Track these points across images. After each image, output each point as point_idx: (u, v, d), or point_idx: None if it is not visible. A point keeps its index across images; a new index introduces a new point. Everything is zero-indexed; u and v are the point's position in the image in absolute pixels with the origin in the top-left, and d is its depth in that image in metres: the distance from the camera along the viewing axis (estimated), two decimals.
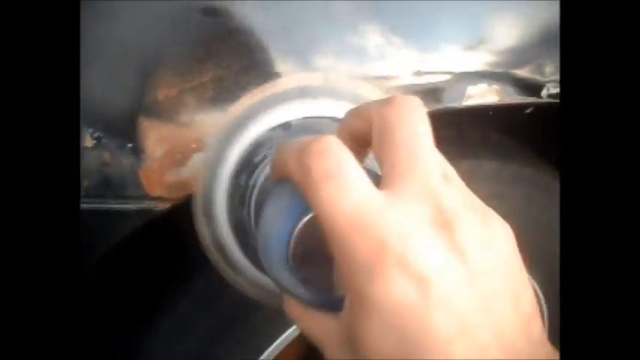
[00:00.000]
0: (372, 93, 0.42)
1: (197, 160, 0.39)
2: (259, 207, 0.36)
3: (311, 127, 0.40)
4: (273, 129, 0.39)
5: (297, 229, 0.30)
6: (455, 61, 0.45)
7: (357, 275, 0.25)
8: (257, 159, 0.38)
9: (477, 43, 0.46)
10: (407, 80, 0.43)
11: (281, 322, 0.56)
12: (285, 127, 0.39)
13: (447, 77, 0.44)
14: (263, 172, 0.38)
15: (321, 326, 0.29)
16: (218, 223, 0.39)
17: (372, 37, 0.42)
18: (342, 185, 0.25)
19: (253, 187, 0.38)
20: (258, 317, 0.55)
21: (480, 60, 0.46)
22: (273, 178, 0.31)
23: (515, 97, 0.45)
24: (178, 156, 0.39)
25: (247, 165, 0.39)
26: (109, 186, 0.39)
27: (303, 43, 0.41)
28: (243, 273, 0.41)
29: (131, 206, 0.40)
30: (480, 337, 0.24)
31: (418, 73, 0.44)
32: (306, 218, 0.30)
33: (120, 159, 0.39)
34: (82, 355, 0.51)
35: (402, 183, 0.26)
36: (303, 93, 0.40)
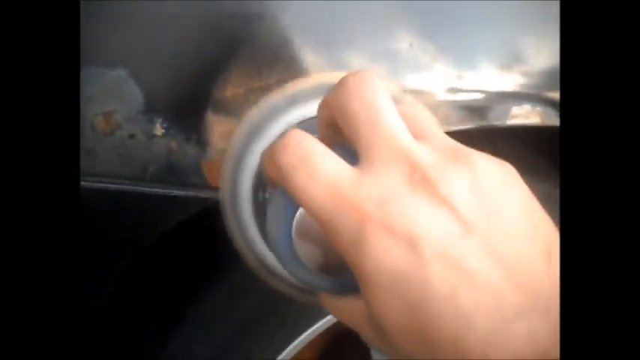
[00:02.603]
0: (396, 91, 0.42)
1: None
2: None
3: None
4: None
5: (294, 226, 0.31)
6: (490, 80, 0.47)
7: (348, 252, 0.25)
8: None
9: (512, 62, 0.48)
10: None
11: (310, 314, 0.58)
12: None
13: (481, 96, 0.46)
14: None
15: (349, 310, 0.29)
16: (247, 228, 0.41)
17: (406, 44, 0.44)
18: (310, 170, 0.26)
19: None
20: (288, 310, 0.58)
21: (515, 81, 0.48)
22: (268, 185, 0.32)
23: (556, 120, 0.47)
24: None
25: (260, 180, 0.40)
26: (173, 173, 0.42)
27: (347, 49, 0.43)
28: (275, 274, 0.43)
29: (191, 194, 0.42)
30: (490, 282, 0.23)
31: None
32: (297, 214, 0.30)
33: (185, 149, 0.41)
34: (113, 337, 0.54)
35: (370, 153, 0.26)
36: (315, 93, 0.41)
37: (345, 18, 0.44)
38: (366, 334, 0.28)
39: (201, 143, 0.41)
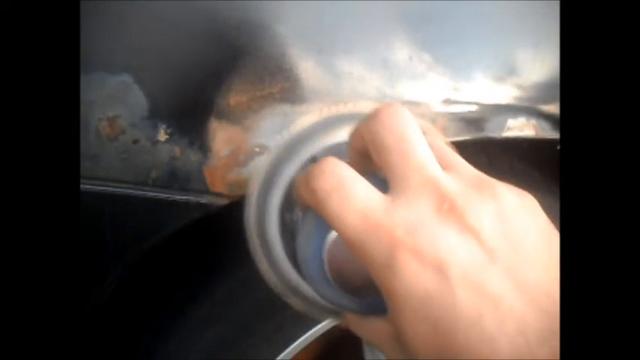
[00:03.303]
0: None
1: (258, 162, 0.42)
2: None
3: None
4: (306, 163, 0.40)
5: (325, 248, 0.32)
6: (485, 92, 0.48)
7: (379, 276, 0.26)
8: (293, 199, 0.39)
9: (507, 75, 0.49)
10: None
11: (306, 318, 0.59)
12: (312, 160, 0.40)
13: (475, 108, 0.47)
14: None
15: (375, 331, 0.30)
16: (273, 247, 0.41)
17: (404, 54, 0.45)
18: (345, 196, 0.27)
19: (296, 222, 0.39)
20: (284, 315, 0.58)
21: (509, 94, 0.49)
22: (299, 207, 0.33)
23: (550, 133, 0.49)
24: (242, 157, 0.42)
25: (288, 202, 0.40)
26: (175, 178, 0.42)
27: (347, 59, 0.44)
28: (297, 293, 0.42)
29: (192, 199, 0.43)
30: (513, 308, 0.24)
31: (447, 102, 0.47)
32: (329, 236, 0.31)
33: (188, 155, 0.42)
34: (113, 338, 0.54)
35: (401, 182, 0.27)
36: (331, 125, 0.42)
37: (345, 28, 0.45)
38: (392, 354, 0.29)
39: (204, 149, 0.42)
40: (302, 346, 0.59)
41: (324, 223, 0.29)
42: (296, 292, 0.41)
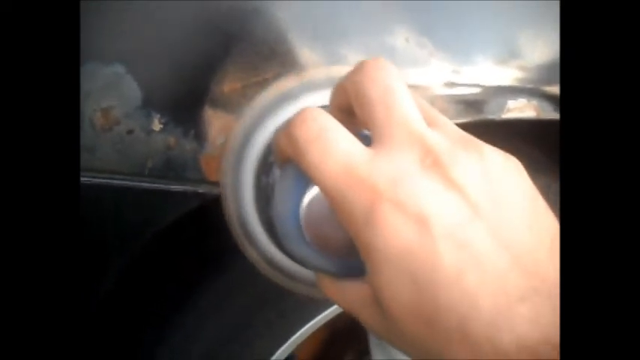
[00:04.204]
0: None
1: None
2: None
3: None
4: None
5: (304, 203, 0.31)
6: (487, 74, 0.47)
7: (358, 229, 0.25)
8: (271, 158, 0.39)
9: (509, 57, 0.48)
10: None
11: (309, 308, 0.59)
12: None
13: (478, 90, 0.46)
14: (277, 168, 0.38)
15: (351, 294, 0.29)
16: (247, 216, 0.42)
17: (403, 39, 0.44)
18: (326, 146, 0.26)
19: (272, 184, 0.38)
20: (287, 304, 0.58)
21: (512, 75, 0.48)
22: (277, 162, 0.32)
23: (552, 114, 0.48)
24: None
25: (264, 165, 0.40)
26: (171, 168, 0.42)
27: (343, 44, 0.44)
28: (273, 264, 0.43)
29: (189, 188, 0.43)
30: (495, 265, 0.24)
31: (449, 84, 0.46)
32: (309, 190, 0.31)
33: (183, 144, 0.42)
34: (116, 328, 0.54)
35: (385, 135, 0.27)
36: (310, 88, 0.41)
37: (341, 12, 0.44)
38: (368, 320, 0.28)
39: (199, 138, 0.42)
40: (306, 334, 0.59)
41: (302, 176, 0.28)
42: (271, 263, 0.41)
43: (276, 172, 0.38)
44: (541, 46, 0.49)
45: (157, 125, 0.41)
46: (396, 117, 0.27)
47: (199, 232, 0.51)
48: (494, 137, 0.62)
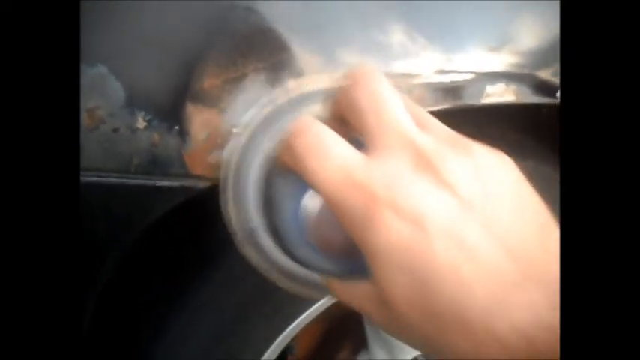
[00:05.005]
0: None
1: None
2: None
3: None
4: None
5: (306, 209, 0.32)
6: (478, 61, 0.48)
7: (359, 232, 0.27)
8: (272, 169, 0.39)
9: (500, 44, 0.49)
10: (430, 79, 0.47)
11: (303, 300, 0.60)
12: None
13: (470, 77, 0.47)
14: None
15: (358, 294, 0.31)
16: (254, 229, 0.41)
17: (397, 36, 0.45)
18: (323, 154, 0.28)
19: (275, 193, 0.38)
20: (283, 295, 0.59)
21: (503, 61, 0.48)
22: (278, 171, 0.33)
23: (531, 98, 0.48)
24: (219, 139, 0.43)
25: (266, 178, 0.40)
26: (157, 164, 0.43)
27: (331, 40, 0.44)
28: (274, 264, 0.42)
29: (175, 184, 0.44)
30: (489, 257, 0.25)
31: (441, 72, 0.47)
32: (307, 195, 0.32)
33: (167, 140, 0.43)
34: (111, 325, 0.55)
35: (378, 141, 0.28)
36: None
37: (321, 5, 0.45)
38: (377, 317, 0.30)
39: (182, 134, 0.43)
40: (303, 324, 0.60)
41: (303, 184, 0.29)
42: (273, 264, 0.41)
43: (278, 181, 0.39)
44: (533, 31, 0.50)
45: (141, 123, 0.42)
46: (386, 123, 0.28)
47: (189, 225, 0.52)
48: (482, 124, 0.63)
